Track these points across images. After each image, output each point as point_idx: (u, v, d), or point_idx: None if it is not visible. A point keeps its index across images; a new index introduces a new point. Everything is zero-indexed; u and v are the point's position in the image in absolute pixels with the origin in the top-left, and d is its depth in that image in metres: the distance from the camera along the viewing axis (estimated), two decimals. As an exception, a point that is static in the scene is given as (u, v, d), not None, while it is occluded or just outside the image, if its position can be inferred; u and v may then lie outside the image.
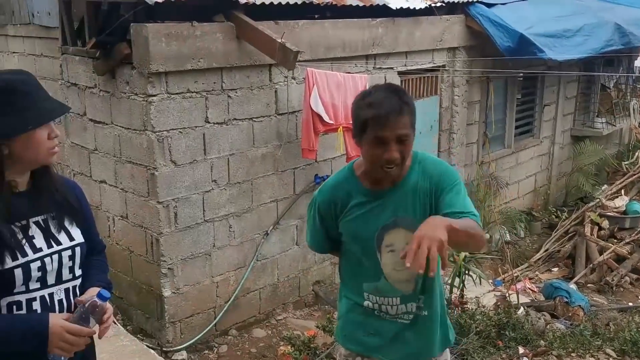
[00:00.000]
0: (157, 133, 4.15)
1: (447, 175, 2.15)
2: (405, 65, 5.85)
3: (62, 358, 1.76)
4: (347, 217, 2.20)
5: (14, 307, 1.72)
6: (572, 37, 6.96)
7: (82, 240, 1.88)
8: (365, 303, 2.27)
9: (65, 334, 1.70)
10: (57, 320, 1.71)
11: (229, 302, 4.78)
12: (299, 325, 5.14)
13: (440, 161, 2.27)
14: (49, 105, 1.76)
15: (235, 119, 4.57)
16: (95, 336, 1.82)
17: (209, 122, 4.41)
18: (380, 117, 2.01)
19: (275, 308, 5.22)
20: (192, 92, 4.28)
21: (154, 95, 4.09)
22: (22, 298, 1.72)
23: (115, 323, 4.63)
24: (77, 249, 1.86)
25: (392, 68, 5.69)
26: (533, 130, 8.59)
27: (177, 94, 4.20)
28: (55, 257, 1.79)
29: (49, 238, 1.80)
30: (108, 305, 1.81)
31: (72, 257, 1.84)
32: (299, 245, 5.26)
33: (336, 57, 5.09)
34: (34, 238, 1.76)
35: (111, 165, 4.63)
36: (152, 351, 3.86)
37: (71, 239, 1.84)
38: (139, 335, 4.67)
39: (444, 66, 6.39)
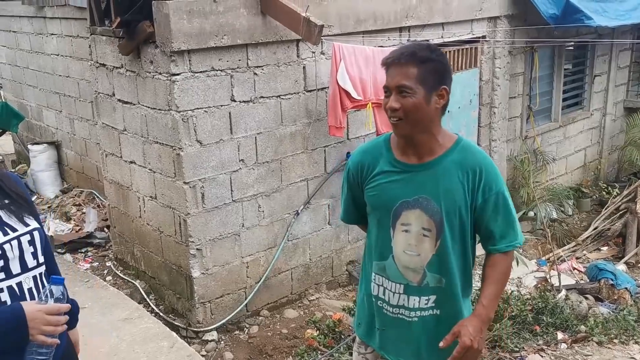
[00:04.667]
0: (182, 113, 4.09)
1: (490, 177, 2.02)
2: (441, 37, 5.60)
3: (51, 347, 1.71)
4: (371, 184, 2.13)
5: None
6: (624, 1, 6.53)
7: (38, 225, 1.82)
8: (372, 286, 2.18)
9: (45, 316, 1.65)
10: (32, 306, 1.66)
11: (260, 283, 4.74)
12: (332, 305, 5.06)
13: (485, 156, 2.10)
14: None
15: (262, 96, 4.47)
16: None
17: (234, 101, 4.33)
18: (385, 64, 2.00)
19: (307, 288, 5.16)
20: (217, 70, 4.20)
21: (178, 74, 4.02)
22: None
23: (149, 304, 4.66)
24: (35, 233, 1.80)
25: (427, 40, 5.45)
26: (582, 103, 8.17)
27: (201, 72, 4.12)
28: (15, 242, 1.73)
29: (3, 226, 1.74)
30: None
31: (32, 242, 1.78)
32: (332, 225, 5.16)
33: (367, 30, 4.90)
34: None
35: (139, 146, 4.62)
36: (175, 334, 3.86)
37: (26, 225, 1.79)
38: (170, 315, 4.70)
39: (484, 37, 6.09)
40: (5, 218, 1.76)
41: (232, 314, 4.62)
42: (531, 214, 6.90)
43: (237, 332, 4.65)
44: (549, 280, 5.24)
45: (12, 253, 1.72)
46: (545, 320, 4.07)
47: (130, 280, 5.16)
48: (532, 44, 6.57)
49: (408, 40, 5.28)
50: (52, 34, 7.00)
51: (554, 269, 5.50)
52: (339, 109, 4.45)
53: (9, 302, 1.70)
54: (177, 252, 4.51)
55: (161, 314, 4.69)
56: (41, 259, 1.82)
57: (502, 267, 2.06)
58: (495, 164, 2.12)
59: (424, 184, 2.04)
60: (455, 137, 2.10)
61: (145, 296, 4.91)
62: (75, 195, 7.14)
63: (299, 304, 5.09)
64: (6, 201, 1.79)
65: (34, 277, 1.78)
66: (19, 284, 1.73)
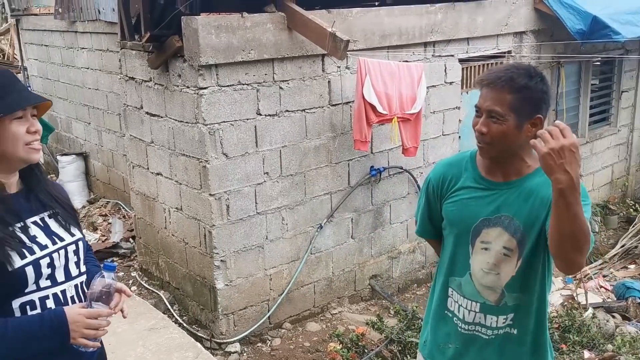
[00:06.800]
0: (209, 126, 4.15)
1: None
2: (466, 52, 5.60)
3: (91, 349, 1.76)
4: (451, 198, 2.10)
5: (28, 307, 1.71)
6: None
7: (82, 236, 1.88)
8: (449, 301, 2.15)
9: (85, 319, 1.69)
10: (73, 309, 1.71)
11: (283, 295, 4.76)
12: (355, 319, 5.05)
13: None
14: (23, 96, 1.74)
15: (287, 110, 4.51)
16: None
17: (260, 114, 4.38)
18: (480, 84, 1.95)
19: (330, 302, 5.16)
20: (243, 84, 4.25)
21: (205, 88, 4.09)
22: (35, 297, 1.72)
23: (172, 315, 4.71)
24: (80, 243, 1.86)
25: (452, 55, 5.46)
26: (609, 119, 8.07)
27: (227, 86, 4.18)
28: (62, 252, 1.79)
29: (51, 235, 1.79)
30: (117, 283, 1.81)
31: (76, 252, 1.84)
32: (355, 239, 5.17)
33: (392, 45, 4.93)
34: (36, 237, 1.75)
35: (166, 158, 4.69)
36: (199, 344, 3.88)
37: (72, 234, 1.85)
38: (194, 326, 4.73)
39: (509, 52, 6.08)
40: (54, 227, 1.82)
41: (255, 326, 4.63)
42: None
43: (259, 344, 4.67)
44: (575, 298, 5.16)
45: (59, 262, 1.78)
46: (571, 338, 4.01)
47: (154, 290, 5.21)
48: (559, 60, 6.53)
49: (433, 55, 5.30)
50: (83, 48, 7.16)
51: (580, 287, 5.42)
52: (364, 123, 4.47)
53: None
54: (201, 263, 4.55)
55: (185, 324, 4.73)
56: (83, 269, 1.88)
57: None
58: (585, 188, 1.97)
59: (507, 203, 2.00)
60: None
61: (169, 307, 4.95)
62: (102, 205, 7.25)
63: (322, 317, 5.08)
64: (57, 211, 1.85)
65: (76, 286, 1.83)
66: (63, 292, 1.79)
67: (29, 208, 1.79)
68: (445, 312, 2.17)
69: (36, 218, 1.79)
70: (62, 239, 1.81)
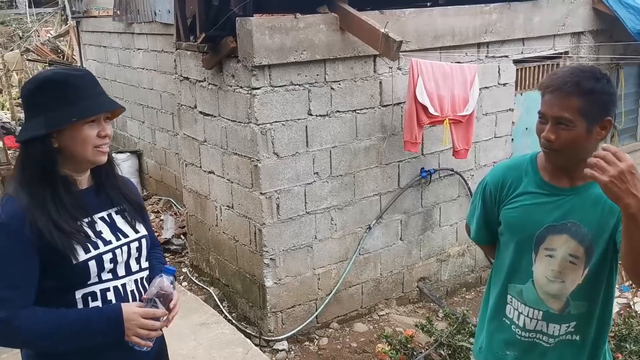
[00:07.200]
0: (261, 125, 4.20)
1: None
2: (521, 52, 5.49)
3: (144, 348, 1.80)
4: (511, 204, 2.04)
5: (89, 298, 1.77)
6: None
7: (146, 233, 1.92)
8: (507, 308, 2.10)
9: (140, 319, 1.73)
10: (130, 307, 1.75)
11: (330, 295, 4.77)
12: (402, 322, 5.02)
13: None
14: (99, 101, 1.79)
15: (337, 111, 4.52)
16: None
17: (311, 115, 4.40)
18: (544, 90, 1.88)
19: (377, 303, 5.14)
20: (295, 85, 4.29)
21: (258, 88, 4.14)
22: (97, 289, 1.78)
23: (221, 312, 4.79)
24: (143, 241, 1.90)
25: (506, 56, 5.36)
26: (671, 122, 7.76)
27: (280, 86, 4.23)
28: (125, 248, 1.84)
29: (116, 231, 1.85)
30: (175, 293, 1.83)
31: (139, 249, 1.89)
32: (404, 241, 5.14)
33: (444, 46, 4.88)
34: (101, 232, 1.81)
35: (218, 157, 4.78)
36: (249, 341, 3.94)
37: (136, 231, 1.90)
38: (242, 323, 4.80)
39: (566, 53, 5.93)
40: (120, 224, 1.88)
41: (303, 325, 4.66)
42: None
43: (307, 343, 4.69)
44: (632, 306, 4.99)
45: (121, 257, 1.83)
46: (628, 348, 3.88)
47: (204, 286, 5.31)
48: (618, 61, 6.33)
49: (487, 56, 5.22)
50: (139, 49, 7.36)
51: (637, 296, 5.23)
52: (415, 125, 4.44)
53: (114, 301, 1.81)
54: (251, 261, 4.61)
55: (234, 321, 4.80)
56: (144, 265, 1.93)
57: None
58: None
59: (574, 209, 1.94)
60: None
61: (218, 303, 5.04)
62: (154, 202, 7.43)
63: (369, 319, 5.07)
64: (124, 207, 1.91)
65: (136, 281, 1.89)
66: (123, 285, 1.84)
67: (98, 204, 1.85)
68: (503, 319, 2.12)
69: (103, 214, 1.85)
70: (126, 236, 1.86)
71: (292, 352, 4.56)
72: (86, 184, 1.86)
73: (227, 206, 4.81)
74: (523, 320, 2.05)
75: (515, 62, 5.49)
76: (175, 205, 7.13)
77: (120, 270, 1.84)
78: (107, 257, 1.78)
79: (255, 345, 4.38)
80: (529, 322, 2.04)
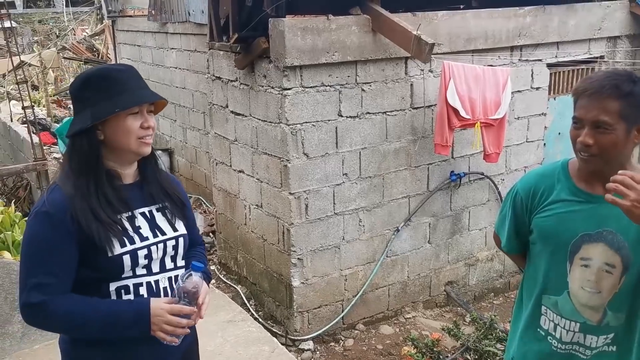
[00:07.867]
0: (291, 126, 4.23)
1: None
2: (555, 56, 5.42)
3: (172, 344, 1.83)
4: (544, 213, 1.99)
5: (122, 291, 1.81)
6: None
7: (185, 232, 1.95)
8: (542, 319, 2.06)
9: (167, 315, 1.76)
10: (157, 302, 1.78)
11: (357, 297, 4.78)
12: (429, 325, 5.00)
13: None
14: (141, 93, 1.82)
15: (368, 112, 4.53)
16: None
17: (341, 116, 4.41)
18: (580, 94, 1.85)
19: (404, 306, 5.13)
20: (326, 86, 4.31)
21: (289, 89, 4.17)
22: (130, 282, 1.81)
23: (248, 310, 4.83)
24: (181, 240, 1.92)
25: (540, 60, 5.30)
26: None
27: (311, 87, 4.25)
28: (161, 245, 1.87)
29: (154, 228, 1.88)
30: (204, 286, 1.85)
31: (175, 247, 1.91)
32: (432, 244, 5.11)
33: (477, 49, 4.85)
34: (140, 228, 1.84)
35: (248, 156, 4.82)
36: (275, 339, 3.96)
37: (175, 230, 1.92)
38: (269, 322, 4.83)
39: (602, 57, 5.83)
40: (160, 221, 1.91)
41: (329, 325, 4.68)
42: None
43: (332, 343, 4.70)
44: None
45: (156, 254, 1.86)
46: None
47: (232, 284, 5.36)
48: (655, 66, 6.20)
49: (520, 59, 5.16)
50: (172, 48, 7.47)
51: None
52: (446, 127, 4.42)
53: (145, 296, 1.84)
54: (279, 260, 4.64)
55: (260, 319, 4.83)
56: (180, 263, 1.95)
57: None
58: None
59: (609, 217, 1.88)
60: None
61: (245, 301, 5.08)
62: (185, 200, 7.52)
63: (395, 321, 5.06)
64: (166, 204, 1.94)
65: (169, 278, 1.91)
66: (156, 282, 1.87)
67: (141, 199, 1.89)
68: (538, 329, 2.08)
69: (145, 210, 1.89)
70: (163, 233, 1.89)
71: (318, 352, 4.57)
72: (131, 179, 1.90)
73: (256, 205, 4.85)
74: (560, 332, 2.01)
75: (549, 66, 5.42)
76: (204, 203, 7.22)
77: (155, 267, 1.87)
78: (142, 253, 1.81)
79: (281, 344, 4.41)
80: (565, 334, 2.00)
